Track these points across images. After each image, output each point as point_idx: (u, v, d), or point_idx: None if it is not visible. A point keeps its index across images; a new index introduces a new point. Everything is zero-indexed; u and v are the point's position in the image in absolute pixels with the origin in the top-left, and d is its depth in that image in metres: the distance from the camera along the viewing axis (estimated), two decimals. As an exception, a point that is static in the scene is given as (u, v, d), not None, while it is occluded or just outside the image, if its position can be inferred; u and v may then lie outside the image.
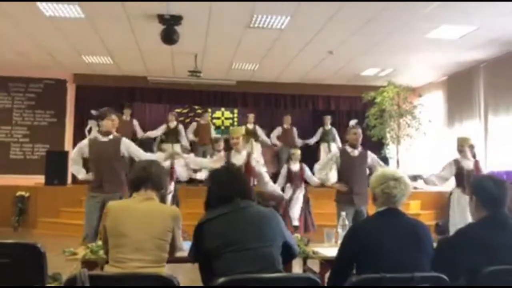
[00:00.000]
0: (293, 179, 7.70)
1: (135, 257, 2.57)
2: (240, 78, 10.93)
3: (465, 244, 2.48)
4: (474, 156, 5.97)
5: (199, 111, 12.28)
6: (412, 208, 9.33)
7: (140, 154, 5.17)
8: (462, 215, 5.51)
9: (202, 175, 7.28)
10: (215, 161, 5.64)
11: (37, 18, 7.11)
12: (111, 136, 5.17)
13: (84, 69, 10.51)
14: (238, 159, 5.02)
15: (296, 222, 7.57)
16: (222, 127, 12.82)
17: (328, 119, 11.23)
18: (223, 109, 12.87)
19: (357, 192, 5.34)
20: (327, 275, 2.83)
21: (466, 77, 9.95)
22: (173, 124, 10.51)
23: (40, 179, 9.79)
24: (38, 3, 6.55)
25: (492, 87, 9.24)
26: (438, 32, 7.49)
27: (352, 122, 11.69)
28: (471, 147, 5.99)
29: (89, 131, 11.03)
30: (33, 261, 2.59)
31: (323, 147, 11.01)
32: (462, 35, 7.64)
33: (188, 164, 5.59)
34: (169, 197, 7.22)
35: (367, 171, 5.60)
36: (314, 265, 3.64)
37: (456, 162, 5.87)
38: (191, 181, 8.48)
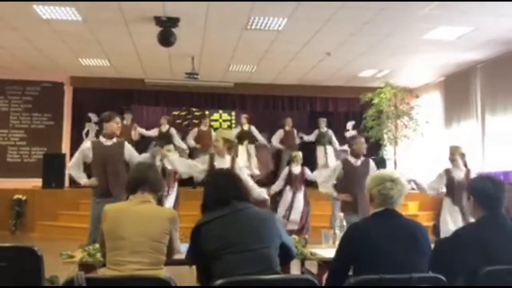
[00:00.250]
0: (294, 181, 7.69)
1: (133, 259, 2.57)
2: (237, 80, 10.93)
3: (463, 245, 2.48)
4: (465, 165, 5.92)
5: (197, 113, 12.27)
6: (410, 209, 9.35)
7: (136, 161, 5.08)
8: (454, 222, 5.51)
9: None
10: (198, 164, 5.35)
11: (34, 21, 7.09)
12: (114, 140, 5.10)
13: (81, 71, 10.49)
14: (221, 164, 4.89)
15: (295, 226, 7.54)
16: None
17: (323, 121, 11.05)
18: (220, 111, 12.83)
19: (361, 202, 5.34)
20: (325, 276, 2.82)
21: (463, 77, 9.96)
22: (165, 127, 10.45)
23: (37, 182, 9.77)
24: (35, 6, 6.54)
25: (489, 87, 9.25)
26: (435, 33, 7.50)
27: (349, 124, 11.76)
28: (462, 155, 5.91)
29: (87, 134, 11.05)
30: (30, 264, 2.59)
31: (319, 150, 10.89)
32: (459, 36, 7.65)
33: (173, 163, 5.43)
34: (173, 198, 7.18)
35: None
36: (312, 267, 3.64)
37: (447, 172, 5.78)
38: (191, 179, 8.40)
